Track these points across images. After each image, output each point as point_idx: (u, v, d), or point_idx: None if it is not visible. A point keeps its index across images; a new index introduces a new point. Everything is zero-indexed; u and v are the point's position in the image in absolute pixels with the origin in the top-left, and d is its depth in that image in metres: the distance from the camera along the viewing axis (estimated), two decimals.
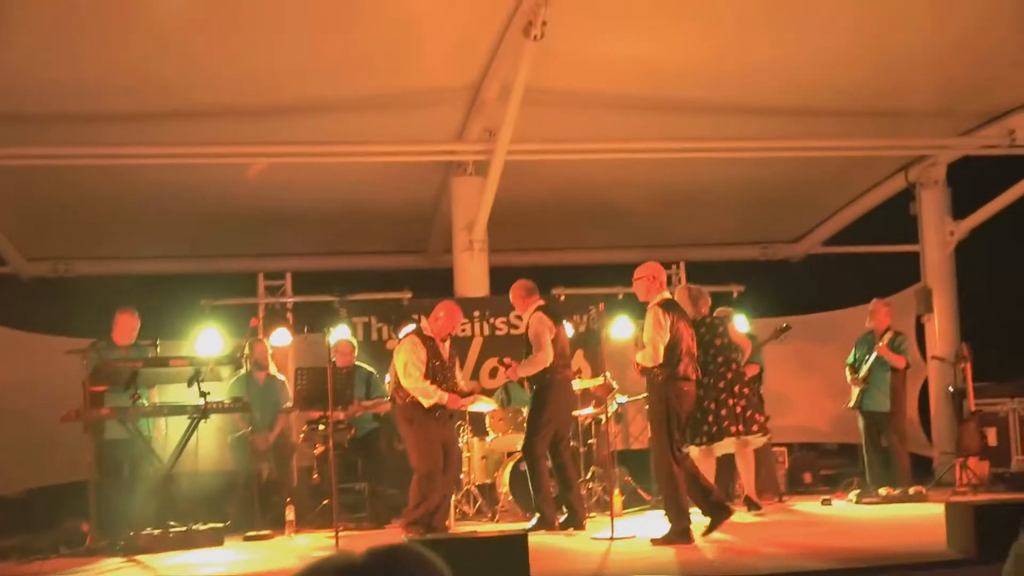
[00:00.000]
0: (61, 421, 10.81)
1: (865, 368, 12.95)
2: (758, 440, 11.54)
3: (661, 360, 9.66)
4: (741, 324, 13.30)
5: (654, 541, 9.55)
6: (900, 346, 13.04)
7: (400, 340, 11.20)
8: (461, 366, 11.93)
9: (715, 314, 11.88)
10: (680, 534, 9.53)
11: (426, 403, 10.41)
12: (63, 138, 12.62)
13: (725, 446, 11.39)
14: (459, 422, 12.03)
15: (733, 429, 11.19)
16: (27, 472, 13.92)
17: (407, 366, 10.52)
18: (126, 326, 11.82)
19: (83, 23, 11.13)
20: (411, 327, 13.11)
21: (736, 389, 11.31)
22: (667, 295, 10.12)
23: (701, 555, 9.03)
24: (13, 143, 12.48)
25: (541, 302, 11.37)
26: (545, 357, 10.79)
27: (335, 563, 1.97)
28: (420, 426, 10.50)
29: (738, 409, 11.24)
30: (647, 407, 10.27)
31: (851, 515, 11.52)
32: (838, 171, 15.41)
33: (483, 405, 12.00)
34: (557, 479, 11.17)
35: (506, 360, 11.14)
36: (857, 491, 12.41)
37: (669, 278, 15.08)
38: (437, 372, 10.54)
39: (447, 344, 10.80)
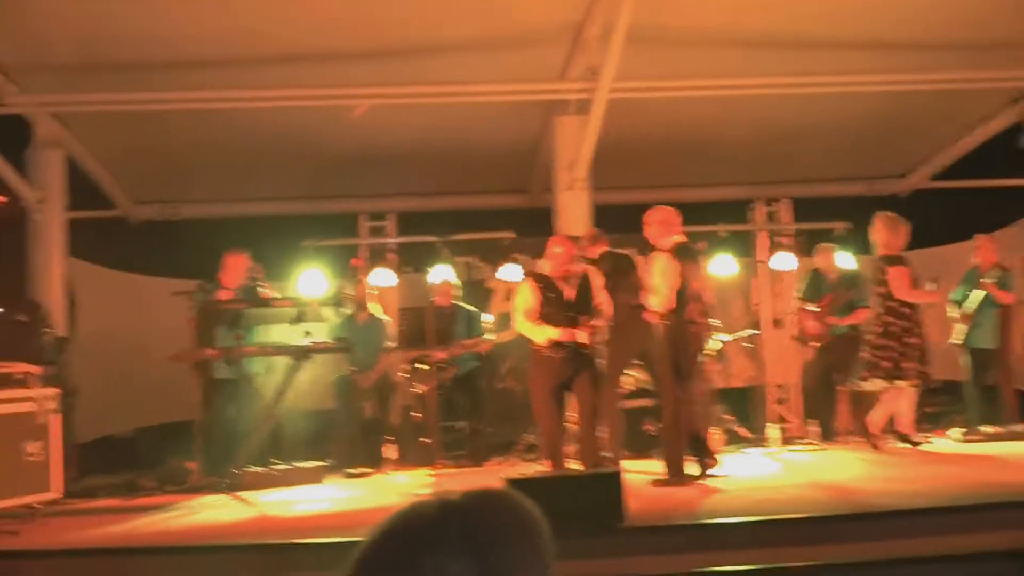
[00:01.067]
0: (168, 361, 11.05)
1: (971, 304, 12.74)
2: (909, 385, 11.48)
3: (673, 306, 9.68)
4: (849, 262, 13.25)
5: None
6: (1008, 282, 12.81)
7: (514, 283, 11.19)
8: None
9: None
10: (677, 476, 9.69)
11: (540, 341, 10.14)
12: (168, 83, 12.80)
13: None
14: None
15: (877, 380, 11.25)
16: (136, 412, 14.26)
17: (517, 310, 10.37)
18: (237, 267, 12.00)
19: None
20: (512, 266, 13.21)
21: (886, 340, 11.27)
22: (678, 239, 10.04)
23: (804, 493, 8.99)
24: (120, 89, 12.68)
25: (604, 249, 11.41)
26: (601, 307, 10.72)
27: (430, 502, 2.08)
28: (536, 368, 10.30)
29: (885, 363, 11.20)
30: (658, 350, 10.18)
31: (954, 453, 11.37)
32: (946, 105, 15.09)
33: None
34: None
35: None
36: (961, 429, 12.24)
37: (772, 215, 15.03)
38: (557, 309, 10.16)
39: (573, 279, 10.32)
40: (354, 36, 12.74)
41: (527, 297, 10.19)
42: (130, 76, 12.70)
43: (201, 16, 11.98)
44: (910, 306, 11.31)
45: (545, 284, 10.24)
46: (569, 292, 10.24)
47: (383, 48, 12.94)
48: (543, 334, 10.03)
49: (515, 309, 10.43)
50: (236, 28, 12.28)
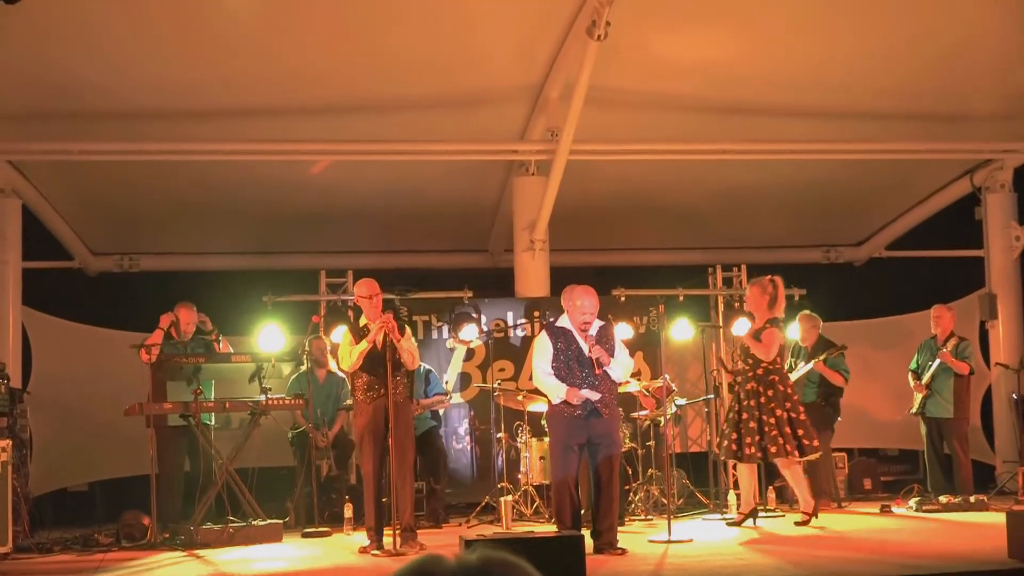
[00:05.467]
0: (124, 415, 10.99)
1: (928, 374, 12.85)
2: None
3: None
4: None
5: None
6: (964, 352, 12.91)
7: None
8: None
9: None
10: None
11: (553, 400, 9.63)
12: (130, 134, 12.79)
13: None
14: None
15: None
16: (91, 465, 14.11)
17: (533, 364, 9.87)
18: (183, 320, 11.93)
19: (151, 21, 11.29)
20: (471, 327, 13.24)
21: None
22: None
23: (759, 560, 8.99)
24: (81, 139, 12.64)
25: None
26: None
27: (448, 564, 2.04)
28: (552, 429, 9.92)
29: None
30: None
31: (911, 522, 11.42)
32: (903, 174, 15.29)
33: (537, 405, 11.97)
34: None
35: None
36: (917, 498, 12.30)
37: (730, 280, 15.10)
38: (571, 366, 9.54)
39: (594, 335, 9.62)
40: (317, 91, 12.80)
41: (541, 351, 9.71)
42: (90, 126, 12.69)
43: (163, 68, 12.03)
44: None
45: (562, 337, 9.68)
46: (587, 348, 9.58)
47: (345, 104, 13.02)
48: (552, 392, 9.58)
49: (532, 363, 10.10)
50: (197, 80, 12.32)
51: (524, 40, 12.28)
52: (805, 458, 11.16)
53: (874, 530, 10.83)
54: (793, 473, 11.28)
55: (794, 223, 16.80)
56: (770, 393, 11.03)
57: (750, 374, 11.20)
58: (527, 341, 13.67)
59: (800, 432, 10.98)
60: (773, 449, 10.92)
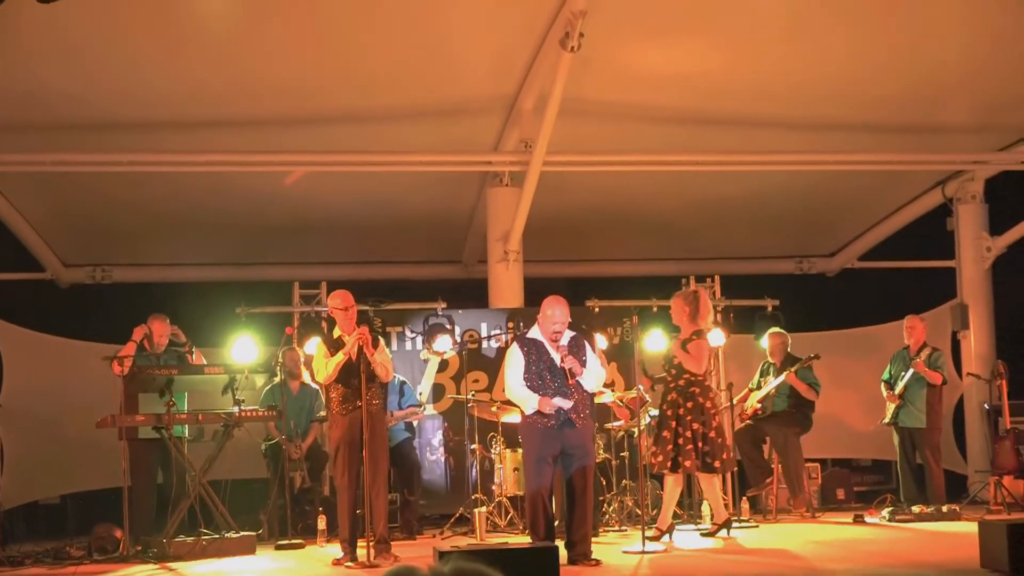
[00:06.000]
0: (96, 427, 10.94)
1: (901, 384, 12.89)
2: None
3: None
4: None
5: None
6: (936, 362, 12.96)
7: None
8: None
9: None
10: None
11: (526, 410, 9.56)
12: (102, 145, 12.75)
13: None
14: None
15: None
16: (63, 478, 14.03)
17: (505, 376, 9.81)
18: (156, 332, 11.87)
19: (125, 32, 11.25)
20: (444, 337, 13.24)
21: None
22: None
23: (731, 570, 9.01)
24: (53, 149, 12.59)
25: None
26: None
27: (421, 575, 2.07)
28: (525, 441, 9.79)
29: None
30: None
31: (884, 532, 11.46)
32: (875, 186, 15.35)
33: (511, 416, 11.90)
34: None
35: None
36: (890, 508, 12.34)
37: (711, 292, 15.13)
38: (544, 377, 9.49)
39: (566, 345, 9.54)
40: (290, 103, 12.79)
41: (512, 363, 9.62)
42: (63, 137, 12.65)
43: (137, 79, 11.98)
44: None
45: (533, 349, 9.61)
46: (559, 359, 9.50)
47: (318, 115, 13.00)
48: (525, 403, 9.51)
49: (504, 375, 10.03)
50: (171, 91, 12.29)
51: (498, 52, 12.29)
52: (706, 474, 11.12)
53: (847, 540, 10.87)
54: (709, 485, 11.28)
55: (767, 234, 16.85)
56: (689, 405, 10.91)
57: (672, 384, 11.13)
58: (501, 352, 13.62)
59: (705, 449, 10.88)
60: (688, 463, 10.87)
